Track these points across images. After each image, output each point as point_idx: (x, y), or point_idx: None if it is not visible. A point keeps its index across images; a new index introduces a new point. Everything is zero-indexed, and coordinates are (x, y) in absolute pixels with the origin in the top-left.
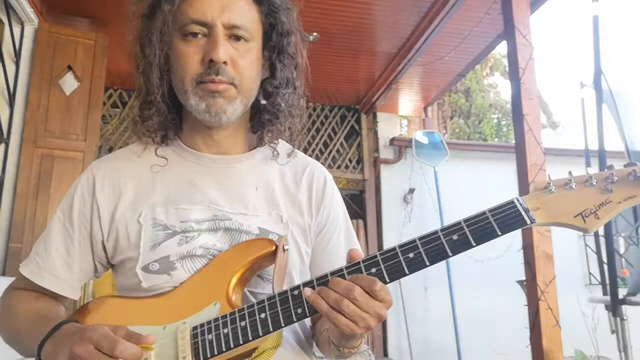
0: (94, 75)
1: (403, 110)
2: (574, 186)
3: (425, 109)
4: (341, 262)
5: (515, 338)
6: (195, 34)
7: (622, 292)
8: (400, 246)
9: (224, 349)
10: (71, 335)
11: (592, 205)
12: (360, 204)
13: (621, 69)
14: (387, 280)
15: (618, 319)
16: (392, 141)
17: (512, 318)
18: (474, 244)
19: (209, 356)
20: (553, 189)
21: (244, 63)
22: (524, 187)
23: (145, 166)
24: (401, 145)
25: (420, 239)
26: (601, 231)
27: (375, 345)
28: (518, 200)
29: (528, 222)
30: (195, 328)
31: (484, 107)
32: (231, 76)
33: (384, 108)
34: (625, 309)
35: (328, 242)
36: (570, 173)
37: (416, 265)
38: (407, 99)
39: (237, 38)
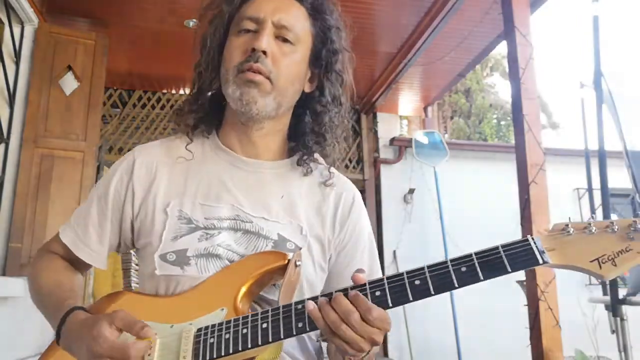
0: (94, 75)
1: (403, 110)
2: (593, 230)
3: (425, 109)
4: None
5: (515, 338)
6: (247, 30)
7: (622, 292)
8: (408, 272)
9: (222, 354)
10: (78, 330)
11: (610, 252)
12: None
13: (621, 69)
14: (390, 305)
15: (618, 319)
16: (392, 141)
17: (512, 318)
18: (482, 278)
19: (207, 358)
20: (571, 231)
21: (284, 62)
22: (524, 187)
23: (180, 159)
24: (401, 145)
25: (429, 267)
26: None
27: None
28: (533, 239)
29: (540, 262)
30: (199, 330)
31: (484, 107)
32: (269, 68)
33: (384, 108)
34: (625, 309)
35: (351, 260)
36: (592, 217)
37: (421, 292)
38: (407, 99)
39: (284, 40)
